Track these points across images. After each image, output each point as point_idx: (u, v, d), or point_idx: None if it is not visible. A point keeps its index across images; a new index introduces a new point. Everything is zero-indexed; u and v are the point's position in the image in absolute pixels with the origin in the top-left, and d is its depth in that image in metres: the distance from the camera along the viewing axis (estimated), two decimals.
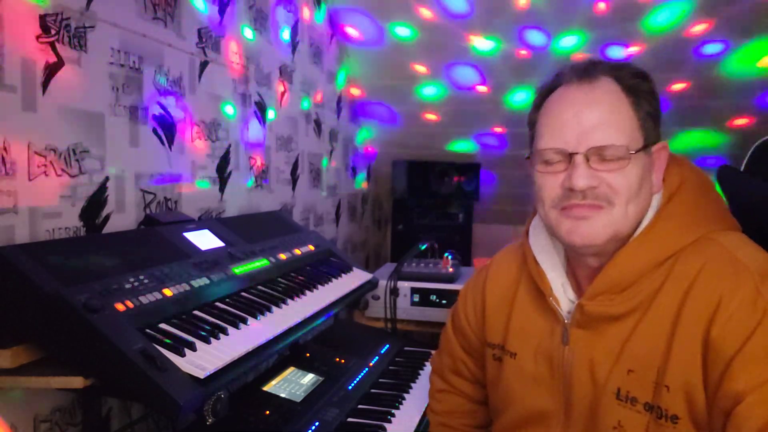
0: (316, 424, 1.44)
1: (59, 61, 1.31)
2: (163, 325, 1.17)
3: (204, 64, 1.89)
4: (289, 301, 1.52)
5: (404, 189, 3.67)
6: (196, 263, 1.39)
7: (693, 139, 3.32)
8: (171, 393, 0.97)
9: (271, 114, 2.37)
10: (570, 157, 1.01)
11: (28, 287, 1.03)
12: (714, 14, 2.70)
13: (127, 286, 1.16)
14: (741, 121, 3.24)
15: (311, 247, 1.94)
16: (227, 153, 2.05)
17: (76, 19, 1.36)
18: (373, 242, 4.07)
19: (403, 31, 3.02)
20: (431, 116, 3.56)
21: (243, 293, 1.46)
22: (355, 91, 3.43)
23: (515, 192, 3.83)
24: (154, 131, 1.65)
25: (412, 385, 1.77)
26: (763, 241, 1.04)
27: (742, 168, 1.78)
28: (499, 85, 3.28)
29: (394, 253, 3.72)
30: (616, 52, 2.94)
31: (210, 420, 1.06)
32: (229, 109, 2.05)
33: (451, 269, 2.50)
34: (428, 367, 1.85)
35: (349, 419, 1.52)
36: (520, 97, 3.32)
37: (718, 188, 1.18)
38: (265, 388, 1.57)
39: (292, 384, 1.62)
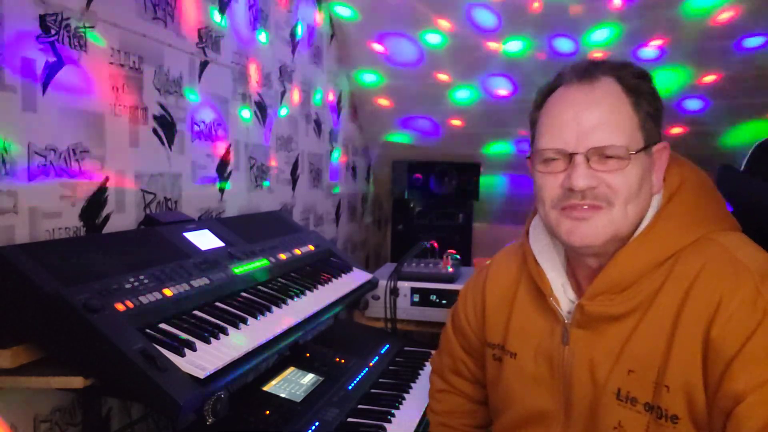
0: (316, 424, 1.44)
1: (59, 61, 1.31)
2: (163, 325, 1.17)
3: (204, 64, 1.89)
4: (289, 301, 1.52)
5: (404, 189, 3.67)
6: (196, 263, 1.39)
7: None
8: (171, 393, 0.97)
9: (271, 114, 2.37)
10: (570, 157, 1.01)
11: (28, 287, 1.03)
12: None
13: (127, 286, 1.16)
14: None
15: (311, 247, 1.94)
16: (228, 153, 2.05)
17: (76, 19, 1.36)
18: (373, 242, 4.07)
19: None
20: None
21: (243, 293, 1.46)
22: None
23: (515, 192, 3.83)
24: (154, 131, 1.66)
25: (412, 385, 1.77)
26: (763, 241, 1.04)
27: (741, 168, 1.78)
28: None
29: (394, 253, 3.72)
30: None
31: (210, 420, 1.06)
32: (230, 110, 2.05)
33: (451, 269, 2.50)
34: (428, 367, 1.85)
35: (349, 419, 1.52)
36: None
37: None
38: (265, 388, 1.57)
39: (292, 384, 1.62)
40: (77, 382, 1.03)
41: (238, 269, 1.50)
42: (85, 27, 1.38)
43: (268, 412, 1.45)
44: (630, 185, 1.00)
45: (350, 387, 1.68)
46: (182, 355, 1.08)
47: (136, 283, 1.18)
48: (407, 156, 3.73)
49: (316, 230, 2.79)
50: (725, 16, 2.69)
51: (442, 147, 3.68)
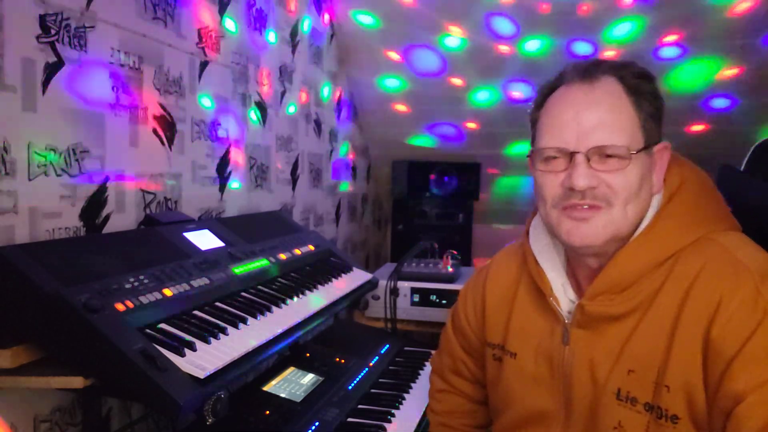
0: (316, 424, 1.44)
1: (59, 61, 1.31)
2: (163, 325, 1.17)
3: (204, 64, 1.89)
4: (289, 301, 1.52)
5: (404, 189, 3.67)
6: (196, 263, 1.39)
7: None
8: (171, 393, 0.97)
9: (271, 114, 2.37)
10: (571, 156, 1.01)
11: (28, 287, 1.03)
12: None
13: (127, 286, 1.16)
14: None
15: (311, 247, 1.94)
16: (227, 153, 2.05)
17: (76, 19, 1.36)
18: (373, 242, 4.07)
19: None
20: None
21: (243, 293, 1.46)
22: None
23: (515, 192, 3.83)
24: (154, 131, 1.66)
25: (412, 385, 1.77)
26: (763, 242, 1.04)
27: (742, 168, 1.78)
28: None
29: (394, 253, 3.72)
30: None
31: (210, 420, 1.06)
32: (229, 109, 2.05)
33: (451, 269, 2.50)
34: (428, 367, 1.85)
35: (349, 419, 1.52)
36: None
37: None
38: (265, 388, 1.57)
39: (292, 384, 1.62)
40: (77, 382, 1.03)
41: (238, 269, 1.50)
42: (85, 27, 1.38)
43: (268, 412, 1.45)
44: (630, 185, 1.00)
45: (350, 387, 1.68)
46: (182, 355, 1.08)
47: (136, 283, 1.18)
48: (407, 156, 3.73)
49: (316, 230, 2.79)
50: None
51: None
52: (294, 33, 2.60)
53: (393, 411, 1.58)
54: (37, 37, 1.26)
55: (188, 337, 1.14)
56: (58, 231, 1.32)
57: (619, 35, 2.86)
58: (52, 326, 1.03)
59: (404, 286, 2.43)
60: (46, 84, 1.28)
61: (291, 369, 1.70)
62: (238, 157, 2.12)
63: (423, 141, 3.72)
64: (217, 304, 1.35)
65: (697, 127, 3.24)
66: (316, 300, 1.61)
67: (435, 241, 2.75)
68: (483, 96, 3.35)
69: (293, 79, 2.59)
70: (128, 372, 0.99)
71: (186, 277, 1.31)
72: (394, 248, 3.77)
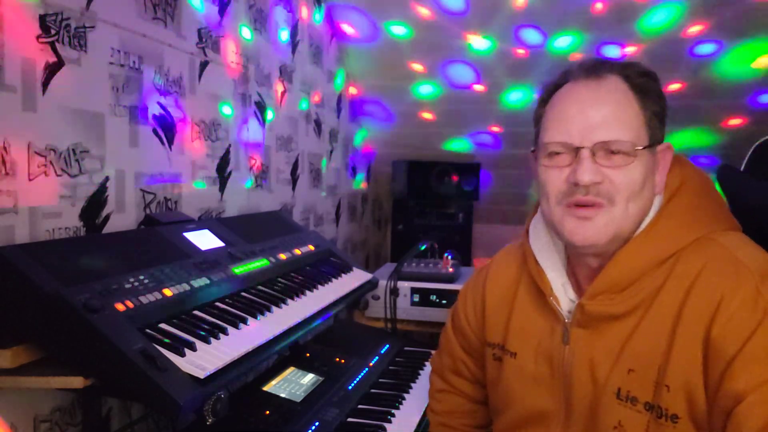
0: (316, 424, 1.44)
1: (59, 61, 1.31)
2: (163, 325, 1.17)
3: (204, 64, 1.89)
4: (289, 301, 1.52)
5: (404, 189, 3.67)
6: (196, 263, 1.39)
7: (686, 139, 3.32)
8: (171, 393, 0.97)
9: (270, 114, 2.37)
10: (576, 151, 1.01)
11: (28, 287, 1.03)
12: (708, 16, 2.70)
13: (127, 286, 1.16)
14: (735, 121, 3.23)
15: (311, 247, 1.94)
16: (227, 153, 2.05)
17: (76, 19, 1.36)
18: (373, 242, 4.07)
19: (399, 30, 3.02)
20: (427, 115, 3.56)
21: (243, 293, 1.46)
22: (353, 90, 3.43)
23: (515, 192, 3.83)
24: (154, 131, 1.66)
25: (412, 385, 1.77)
26: (763, 242, 1.04)
27: (742, 168, 1.78)
28: (495, 84, 3.28)
29: (394, 253, 3.72)
30: (612, 52, 2.94)
31: (210, 420, 1.06)
32: (229, 110, 2.05)
33: (451, 269, 2.50)
34: (428, 367, 1.85)
35: (349, 419, 1.52)
36: (516, 97, 3.32)
37: (718, 188, 1.18)
38: (265, 388, 1.57)
39: (292, 384, 1.62)
40: (77, 382, 1.03)
41: (238, 269, 1.50)
42: (85, 27, 1.38)
43: (268, 412, 1.45)
44: (633, 183, 1.00)
45: (350, 387, 1.68)
46: (182, 355, 1.08)
47: (136, 283, 1.18)
48: (407, 156, 3.73)
49: (316, 230, 2.79)
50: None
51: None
52: (294, 33, 2.60)
53: (393, 411, 1.58)
54: (37, 37, 1.26)
55: (188, 337, 1.14)
56: (58, 231, 1.32)
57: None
58: (52, 326, 1.03)
59: (404, 286, 2.43)
60: (46, 84, 1.28)
61: (291, 369, 1.70)
62: (238, 157, 2.12)
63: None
64: (217, 304, 1.35)
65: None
66: (316, 300, 1.61)
67: (435, 241, 2.75)
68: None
69: (293, 79, 2.59)
70: (128, 372, 0.99)
71: (186, 277, 1.31)
72: (394, 248, 3.76)
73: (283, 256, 1.73)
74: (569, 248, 1.12)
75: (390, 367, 1.90)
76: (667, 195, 1.07)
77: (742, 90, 3.03)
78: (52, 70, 1.30)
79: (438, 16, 2.90)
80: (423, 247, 2.62)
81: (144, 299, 1.16)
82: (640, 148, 1.00)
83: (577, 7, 2.75)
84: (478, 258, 3.75)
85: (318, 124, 2.91)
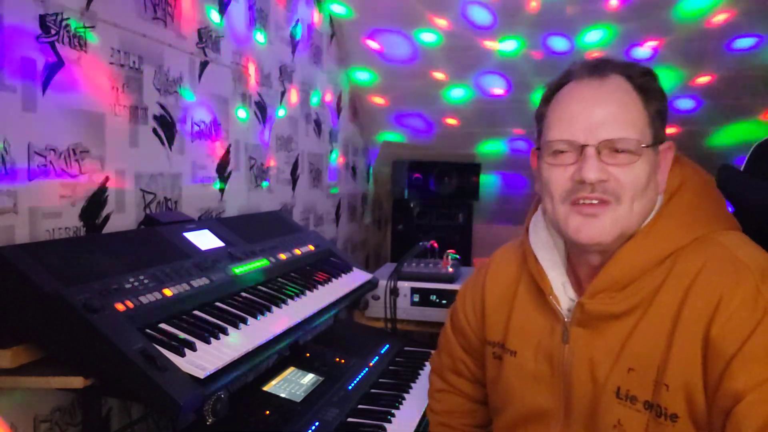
0: (316, 424, 1.44)
1: (59, 61, 1.31)
2: (163, 325, 1.17)
3: (204, 64, 1.89)
4: (289, 301, 1.52)
5: (404, 189, 3.67)
6: (196, 263, 1.39)
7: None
8: (171, 393, 0.97)
9: (271, 114, 2.37)
10: (581, 149, 1.01)
11: (28, 287, 1.03)
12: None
13: (127, 286, 1.16)
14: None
15: (311, 247, 1.94)
16: (227, 153, 2.05)
17: (76, 19, 1.36)
18: (373, 242, 4.07)
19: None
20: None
21: (243, 293, 1.46)
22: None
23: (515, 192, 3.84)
24: (154, 131, 1.66)
25: (412, 385, 1.77)
26: (763, 241, 1.04)
27: (741, 168, 1.78)
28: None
29: (394, 253, 3.72)
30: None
31: (210, 420, 1.06)
32: (229, 110, 2.05)
33: (451, 269, 2.50)
34: (428, 367, 1.85)
35: (349, 419, 1.52)
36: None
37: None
38: (265, 388, 1.57)
39: (292, 384, 1.62)
40: (77, 382, 1.03)
41: (238, 269, 1.50)
42: (85, 27, 1.38)
43: (268, 412, 1.45)
44: (638, 181, 1.00)
45: (350, 387, 1.68)
46: (182, 355, 1.08)
47: (136, 283, 1.18)
48: (407, 156, 3.73)
49: (316, 230, 2.79)
50: (720, 18, 2.69)
51: (435, 146, 3.68)
52: (294, 33, 2.60)
53: (393, 411, 1.58)
54: (37, 37, 1.26)
55: (188, 337, 1.14)
56: (58, 231, 1.32)
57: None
58: (52, 326, 1.03)
59: (404, 286, 2.43)
60: (46, 84, 1.28)
61: (291, 369, 1.70)
62: (238, 157, 2.12)
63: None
64: (217, 304, 1.35)
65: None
66: (316, 300, 1.61)
67: (435, 241, 2.75)
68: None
69: (293, 79, 2.59)
70: (128, 372, 0.99)
71: (186, 277, 1.31)
72: (394, 248, 3.76)
73: (283, 256, 1.73)
74: (570, 246, 1.12)
75: (390, 367, 1.90)
76: (667, 194, 1.07)
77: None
78: (52, 70, 1.30)
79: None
80: (423, 247, 2.62)
81: (144, 299, 1.16)
82: (645, 146, 1.00)
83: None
84: (478, 258, 3.75)
85: (318, 124, 2.91)
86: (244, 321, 1.30)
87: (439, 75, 3.25)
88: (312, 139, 2.84)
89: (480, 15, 2.88)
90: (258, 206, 2.27)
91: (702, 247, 1.00)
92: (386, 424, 1.50)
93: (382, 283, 2.35)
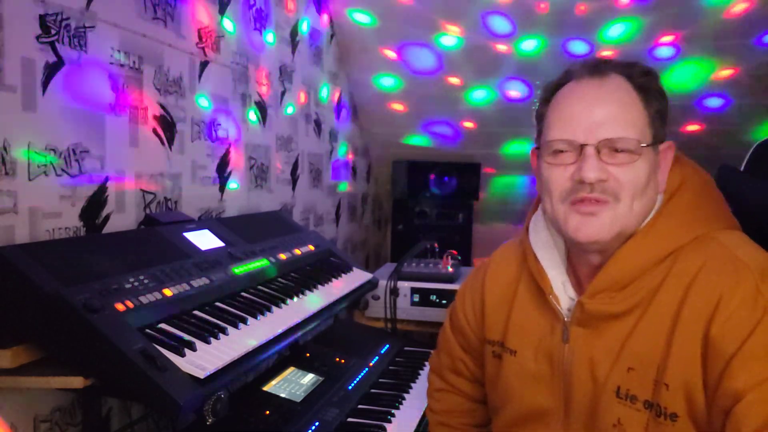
0: (316, 424, 1.44)
1: (59, 61, 1.31)
2: (163, 325, 1.17)
3: (204, 64, 1.89)
4: (289, 301, 1.52)
5: (404, 189, 3.67)
6: (196, 263, 1.39)
7: None
8: (171, 393, 0.97)
9: (271, 114, 2.37)
10: (581, 148, 1.01)
11: (28, 287, 1.03)
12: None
13: (127, 286, 1.16)
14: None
15: (311, 247, 1.94)
16: (227, 153, 2.05)
17: (76, 19, 1.36)
18: (373, 242, 4.07)
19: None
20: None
21: (243, 293, 1.46)
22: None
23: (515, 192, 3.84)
24: (154, 131, 1.66)
25: (412, 385, 1.77)
26: (763, 241, 1.04)
27: (742, 168, 1.78)
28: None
29: (394, 253, 3.72)
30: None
31: (210, 420, 1.06)
32: (230, 110, 2.05)
33: (451, 269, 2.50)
34: (428, 367, 1.85)
35: (349, 419, 1.52)
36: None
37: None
38: (265, 388, 1.57)
39: (292, 384, 1.62)
40: (77, 382, 1.03)
41: (238, 269, 1.50)
42: (85, 27, 1.38)
43: (268, 412, 1.45)
44: (638, 180, 1.00)
45: (350, 387, 1.68)
46: (182, 355, 1.08)
47: (136, 283, 1.18)
48: (407, 156, 3.73)
49: (316, 230, 2.79)
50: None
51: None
52: (294, 33, 2.60)
53: (393, 411, 1.58)
54: (37, 37, 1.26)
55: (188, 337, 1.14)
56: (58, 231, 1.32)
57: (614, 36, 2.87)
58: (52, 326, 1.03)
59: (404, 286, 2.43)
60: (46, 84, 1.28)
61: (291, 369, 1.70)
62: (238, 157, 2.12)
63: (419, 140, 3.72)
64: (217, 304, 1.35)
65: (692, 127, 3.25)
66: (316, 300, 1.61)
67: (435, 241, 2.75)
68: (479, 95, 3.36)
69: (293, 79, 2.59)
70: (128, 372, 0.99)
71: (186, 277, 1.31)
72: (394, 248, 3.76)
73: (283, 256, 1.73)
74: (571, 246, 1.12)
75: (390, 367, 1.90)
76: (667, 194, 1.07)
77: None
78: (52, 70, 1.30)
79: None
80: (423, 247, 2.62)
81: (144, 299, 1.16)
82: (645, 145, 1.00)
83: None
84: (477, 258, 3.75)
85: (318, 124, 2.91)
86: (244, 321, 1.30)
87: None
88: (312, 139, 2.84)
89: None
90: (258, 206, 2.27)
91: (702, 247, 1.00)
92: (386, 424, 1.50)
93: (382, 283, 2.35)
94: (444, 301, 2.40)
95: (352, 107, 3.45)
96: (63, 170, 1.33)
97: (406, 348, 2.10)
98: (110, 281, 1.14)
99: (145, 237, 1.41)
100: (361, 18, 3.00)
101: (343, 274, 1.92)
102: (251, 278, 1.53)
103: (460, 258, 2.69)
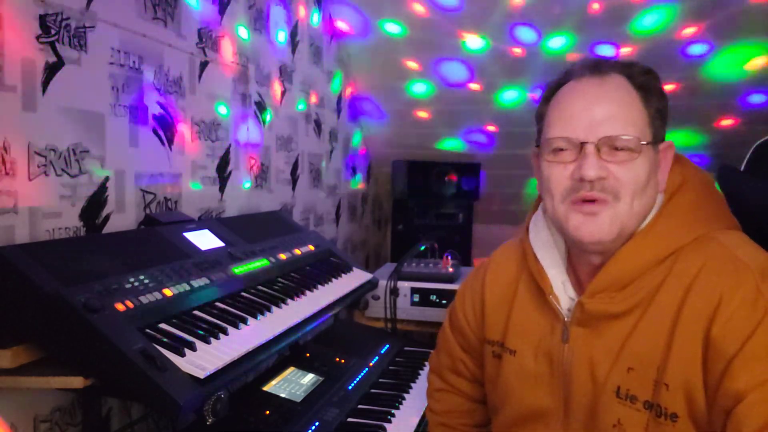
0: (316, 424, 1.44)
1: (59, 61, 1.31)
2: (163, 325, 1.17)
3: (204, 64, 1.89)
4: (289, 301, 1.52)
5: (404, 189, 3.67)
6: (196, 263, 1.39)
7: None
8: (171, 393, 0.97)
9: (270, 114, 2.37)
10: (581, 146, 1.01)
11: (28, 287, 1.03)
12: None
13: (127, 286, 1.16)
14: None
15: (311, 247, 1.94)
16: (227, 153, 2.05)
17: (76, 19, 1.36)
18: (373, 242, 4.07)
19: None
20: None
21: (243, 293, 1.46)
22: (349, 89, 3.46)
23: (516, 192, 3.83)
24: (154, 131, 1.66)
25: (412, 385, 1.77)
26: (763, 241, 1.04)
27: (742, 168, 1.78)
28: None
29: (394, 253, 3.71)
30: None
31: (210, 420, 1.06)
32: (229, 110, 2.05)
33: (451, 269, 2.50)
34: (428, 367, 1.85)
35: (349, 419, 1.52)
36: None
37: (718, 188, 1.18)
38: (265, 388, 1.57)
39: (292, 384, 1.62)
40: (77, 382, 1.03)
41: (238, 269, 1.50)
42: (85, 27, 1.38)
43: (268, 412, 1.45)
44: (638, 179, 1.00)
45: (350, 387, 1.68)
46: (182, 355, 1.08)
47: (136, 283, 1.18)
48: (407, 156, 3.73)
49: (316, 230, 2.79)
50: None
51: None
52: (294, 33, 2.60)
53: (393, 411, 1.58)
54: (37, 37, 1.26)
55: (188, 337, 1.14)
56: (58, 231, 1.32)
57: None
58: (52, 326, 1.03)
59: (404, 286, 2.43)
60: (46, 84, 1.28)
61: (291, 369, 1.70)
62: (238, 157, 2.12)
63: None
64: (217, 304, 1.35)
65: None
66: (316, 300, 1.61)
67: (435, 241, 2.75)
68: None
69: (293, 79, 2.59)
70: (128, 372, 0.99)
71: (186, 277, 1.31)
72: (394, 248, 3.76)
73: (283, 256, 1.73)
74: (571, 245, 1.12)
75: (390, 367, 1.90)
76: (667, 194, 1.07)
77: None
78: (52, 70, 1.30)
79: (432, 13, 2.90)
80: (422, 248, 2.62)
81: (144, 299, 1.16)
82: (645, 143, 1.00)
83: (572, 6, 2.75)
84: (477, 258, 3.75)
85: (318, 124, 2.91)
86: (244, 321, 1.30)
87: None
88: (312, 139, 2.84)
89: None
90: (258, 206, 2.27)
91: (702, 247, 1.00)
92: (386, 424, 1.50)
93: (382, 283, 2.35)
94: (444, 301, 2.40)
95: (351, 106, 3.45)
96: (63, 170, 1.33)
97: (406, 348, 2.10)
98: (110, 281, 1.13)
99: (145, 237, 1.41)
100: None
101: (343, 274, 1.92)
102: (251, 278, 1.53)
103: (459, 258, 2.68)
